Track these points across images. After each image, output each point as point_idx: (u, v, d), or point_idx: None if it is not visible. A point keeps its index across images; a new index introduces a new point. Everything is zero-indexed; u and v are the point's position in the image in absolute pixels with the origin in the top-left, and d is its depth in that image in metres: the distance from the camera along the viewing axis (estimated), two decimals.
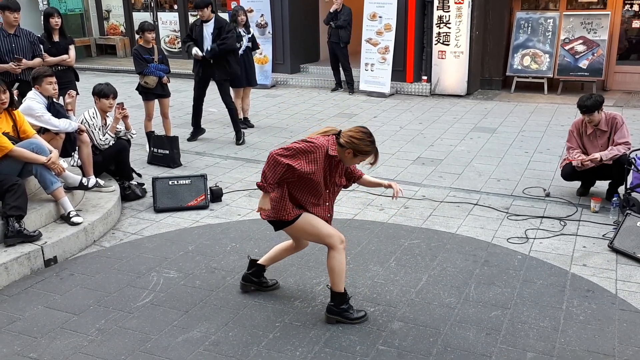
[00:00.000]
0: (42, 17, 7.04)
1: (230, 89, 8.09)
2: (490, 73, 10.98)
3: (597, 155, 5.27)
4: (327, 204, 3.64)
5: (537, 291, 4.00)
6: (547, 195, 5.74)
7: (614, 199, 5.20)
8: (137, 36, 7.38)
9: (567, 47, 10.21)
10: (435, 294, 4.00)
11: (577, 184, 5.75)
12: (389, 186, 3.78)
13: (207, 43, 7.44)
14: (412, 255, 4.56)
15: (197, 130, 8.01)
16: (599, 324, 3.62)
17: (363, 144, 3.41)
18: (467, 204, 5.61)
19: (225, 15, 12.81)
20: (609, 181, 5.54)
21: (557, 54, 10.30)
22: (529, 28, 10.49)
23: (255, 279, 4.03)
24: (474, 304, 3.86)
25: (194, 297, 4.00)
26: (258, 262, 3.99)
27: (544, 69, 10.40)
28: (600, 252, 4.57)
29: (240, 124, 7.93)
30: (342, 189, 3.76)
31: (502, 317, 3.70)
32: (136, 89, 7.33)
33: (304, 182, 3.48)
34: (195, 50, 7.41)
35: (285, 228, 3.63)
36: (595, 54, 10.01)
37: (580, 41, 10.13)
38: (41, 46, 6.64)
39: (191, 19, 13.74)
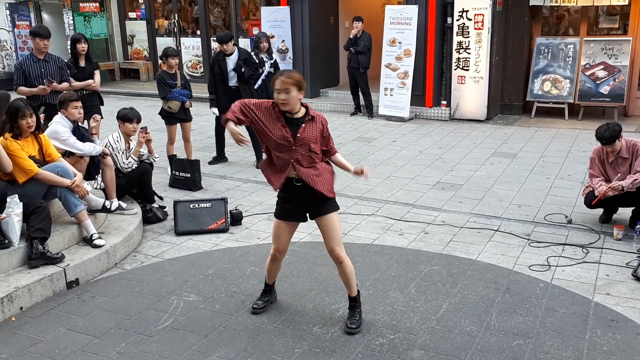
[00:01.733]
0: (69, 42, 7.22)
1: None
2: (510, 98, 10.96)
3: (619, 183, 5.22)
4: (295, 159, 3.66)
5: (560, 320, 3.94)
6: (569, 222, 5.68)
7: (637, 226, 5.12)
8: (160, 61, 7.52)
9: (587, 73, 10.16)
10: (456, 321, 3.96)
11: (599, 210, 5.69)
12: (358, 172, 3.80)
13: (233, 76, 7.61)
14: (432, 282, 4.53)
15: (220, 157, 8.12)
16: (624, 355, 3.56)
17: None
18: (487, 230, 5.57)
19: (247, 41, 13.09)
20: (632, 208, 5.47)
21: (578, 79, 10.25)
22: (549, 54, 10.48)
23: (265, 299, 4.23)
24: (496, 332, 3.82)
25: (213, 321, 4.01)
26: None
27: (565, 94, 10.36)
28: (624, 281, 4.49)
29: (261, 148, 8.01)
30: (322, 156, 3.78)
31: (524, 346, 3.65)
32: (159, 113, 7.45)
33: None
34: (214, 110, 7.80)
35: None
36: (616, 80, 9.95)
37: (601, 67, 10.09)
38: (68, 71, 6.81)
39: (213, 44, 13.95)
